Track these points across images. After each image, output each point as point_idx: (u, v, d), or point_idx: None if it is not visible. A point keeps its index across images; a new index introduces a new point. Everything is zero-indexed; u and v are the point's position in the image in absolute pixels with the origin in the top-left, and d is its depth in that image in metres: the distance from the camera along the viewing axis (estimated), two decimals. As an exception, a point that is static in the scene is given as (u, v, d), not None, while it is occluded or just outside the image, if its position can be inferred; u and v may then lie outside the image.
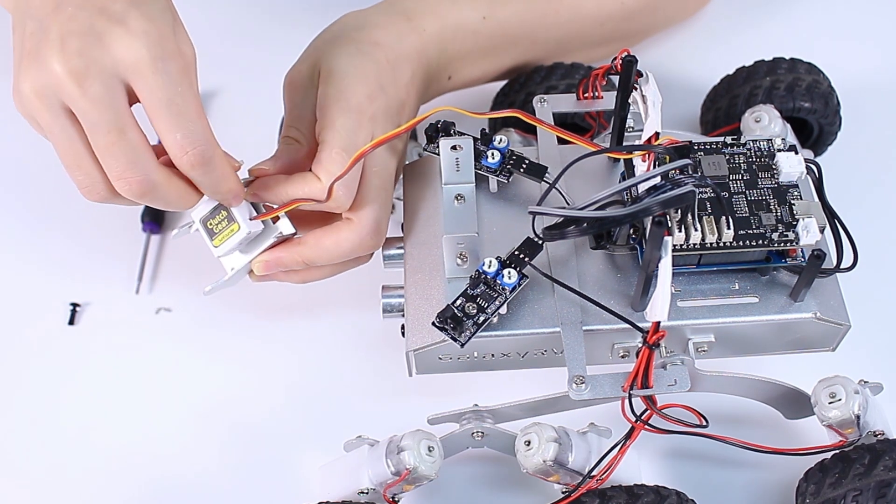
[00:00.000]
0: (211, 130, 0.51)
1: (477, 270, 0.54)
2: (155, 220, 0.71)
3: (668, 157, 0.52)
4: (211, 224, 0.57)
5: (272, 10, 0.83)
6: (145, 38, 0.48)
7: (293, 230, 0.57)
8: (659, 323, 0.50)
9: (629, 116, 0.58)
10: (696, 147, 0.57)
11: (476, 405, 0.58)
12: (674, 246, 0.52)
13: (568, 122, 0.68)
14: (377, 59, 0.60)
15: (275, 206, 0.57)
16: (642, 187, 0.52)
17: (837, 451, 0.56)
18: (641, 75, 0.55)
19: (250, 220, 0.56)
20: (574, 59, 0.72)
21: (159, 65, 0.48)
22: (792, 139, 0.65)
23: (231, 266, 0.58)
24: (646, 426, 0.53)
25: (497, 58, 0.69)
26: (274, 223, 0.57)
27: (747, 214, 0.55)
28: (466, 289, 0.54)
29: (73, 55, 0.47)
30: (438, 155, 0.58)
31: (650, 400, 0.53)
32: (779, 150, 0.57)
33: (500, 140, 0.59)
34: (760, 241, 0.54)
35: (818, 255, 0.52)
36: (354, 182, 0.56)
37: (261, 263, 0.58)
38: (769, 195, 0.55)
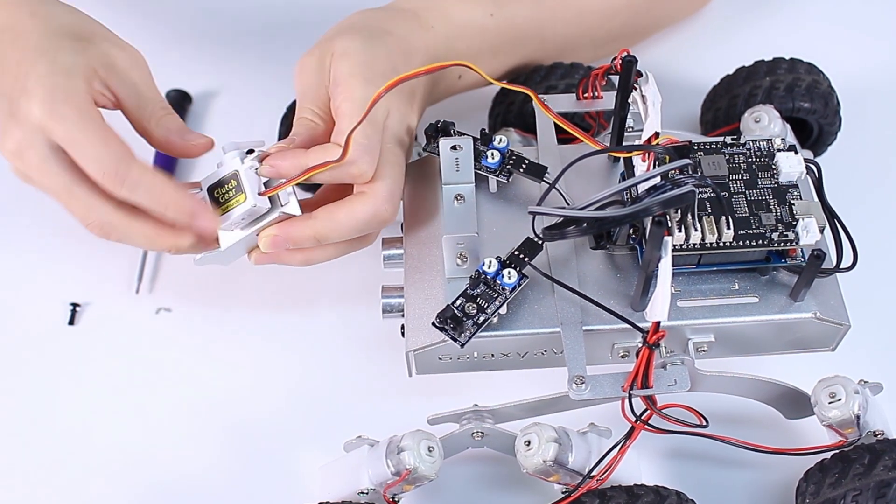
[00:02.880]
0: (123, 150, 0.53)
1: (477, 270, 0.54)
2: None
3: (667, 157, 0.52)
4: (218, 193, 0.56)
5: (272, 11, 0.84)
6: (38, 99, 0.53)
7: (299, 212, 0.56)
8: (659, 323, 0.50)
9: (629, 116, 0.58)
10: (695, 147, 0.57)
11: (476, 405, 0.58)
12: (674, 246, 0.52)
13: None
14: (389, 45, 0.60)
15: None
16: (642, 187, 0.52)
17: (837, 451, 0.56)
18: (641, 75, 0.55)
19: (259, 194, 0.55)
20: (580, 58, 0.72)
21: (57, 116, 0.53)
22: (792, 139, 0.65)
23: (227, 240, 0.57)
24: (646, 426, 0.53)
25: (506, 56, 0.69)
26: (282, 206, 0.56)
27: (747, 214, 0.55)
28: (466, 289, 0.54)
29: (6, 139, 0.54)
30: (438, 155, 0.58)
31: (650, 400, 0.53)
32: (778, 150, 0.57)
33: (500, 140, 0.59)
34: (760, 241, 0.54)
35: (818, 255, 0.52)
36: (376, 150, 0.56)
37: (268, 239, 0.56)
38: (769, 195, 0.55)
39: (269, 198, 0.56)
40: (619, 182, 0.57)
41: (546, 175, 0.59)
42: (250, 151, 0.57)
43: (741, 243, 0.54)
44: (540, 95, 0.63)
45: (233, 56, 0.81)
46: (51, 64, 0.54)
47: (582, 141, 0.56)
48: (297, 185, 0.56)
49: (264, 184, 0.56)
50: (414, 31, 0.62)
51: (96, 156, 0.53)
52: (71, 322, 0.68)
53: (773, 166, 0.57)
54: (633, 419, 0.53)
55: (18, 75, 0.54)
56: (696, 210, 0.53)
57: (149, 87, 0.58)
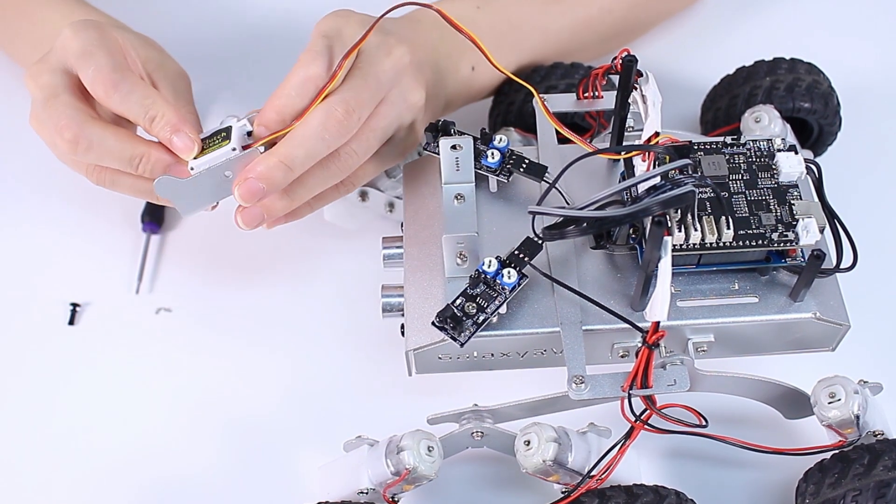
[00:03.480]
0: (123, 65, 0.57)
1: (477, 270, 0.54)
2: (155, 220, 0.71)
3: (667, 157, 0.52)
4: (205, 143, 0.56)
5: (271, 11, 0.84)
6: (71, 26, 0.58)
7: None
8: (658, 323, 0.50)
9: (629, 116, 0.58)
10: (695, 147, 0.57)
11: (475, 405, 0.58)
12: (673, 246, 0.52)
13: (568, 122, 0.68)
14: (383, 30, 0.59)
15: None
16: (642, 187, 0.52)
17: (837, 452, 0.56)
18: (641, 75, 0.55)
19: (243, 147, 0.55)
20: (586, 55, 0.72)
21: (80, 35, 0.57)
22: (792, 139, 0.65)
23: (196, 169, 0.55)
24: (645, 426, 0.53)
25: (511, 51, 0.68)
26: None
27: (747, 214, 0.55)
28: (466, 288, 0.54)
29: (33, 67, 0.59)
30: (438, 154, 0.58)
31: (650, 400, 0.53)
32: (779, 150, 0.57)
33: (500, 140, 0.59)
34: (760, 241, 0.54)
35: (818, 255, 0.52)
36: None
37: (242, 186, 0.54)
38: (769, 195, 0.55)
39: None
40: (619, 182, 0.56)
41: (546, 175, 0.59)
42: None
43: (741, 243, 0.54)
44: (541, 95, 0.63)
45: (233, 56, 0.81)
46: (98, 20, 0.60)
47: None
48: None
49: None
50: (406, 26, 0.62)
51: (96, 62, 0.56)
52: (71, 322, 0.68)
53: (774, 166, 0.57)
54: (633, 419, 0.53)
55: None
56: (695, 210, 0.53)
57: (187, 95, 0.61)
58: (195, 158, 0.56)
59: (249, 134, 0.56)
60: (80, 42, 0.57)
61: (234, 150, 0.55)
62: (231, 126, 0.56)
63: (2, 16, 0.71)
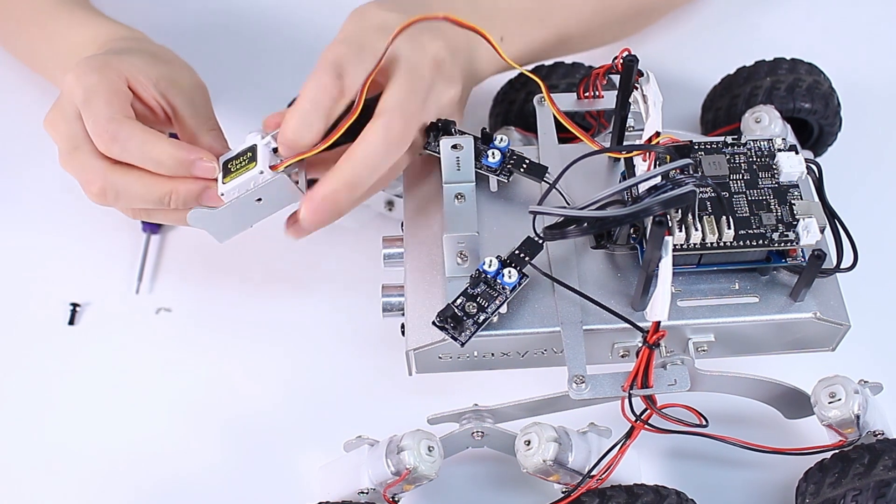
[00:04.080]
0: (119, 112, 0.56)
1: (477, 270, 0.54)
2: (155, 221, 0.71)
3: (668, 157, 0.52)
4: (231, 164, 0.56)
5: (270, 11, 0.84)
6: (77, 67, 0.59)
7: (304, 190, 0.56)
8: (659, 322, 0.50)
9: (630, 116, 0.58)
10: (696, 147, 0.57)
11: (476, 405, 0.58)
12: (674, 246, 0.52)
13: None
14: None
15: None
16: (643, 187, 0.52)
17: (837, 451, 0.56)
18: (642, 74, 0.55)
19: (270, 167, 0.55)
20: (608, 34, 0.72)
21: (83, 80, 0.58)
22: (792, 139, 0.65)
23: (228, 197, 0.56)
24: (646, 426, 0.53)
25: (536, 25, 0.67)
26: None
27: (748, 214, 0.55)
28: (467, 288, 0.54)
29: (49, 112, 0.60)
30: (439, 154, 0.58)
31: (650, 399, 0.52)
32: (779, 150, 0.57)
33: (501, 139, 0.59)
34: (761, 241, 0.54)
35: (818, 255, 0.52)
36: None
37: (310, 213, 0.55)
38: (769, 195, 0.55)
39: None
40: (620, 182, 0.56)
41: (546, 175, 0.59)
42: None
43: (741, 243, 0.54)
44: (541, 95, 0.63)
45: (232, 56, 0.81)
46: (104, 52, 0.61)
47: (583, 140, 0.56)
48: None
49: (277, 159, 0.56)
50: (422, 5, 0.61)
51: (94, 114, 0.56)
52: (71, 322, 0.68)
53: (774, 166, 0.57)
54: (633, 419, 0.53)
55: None
56: (696, 210, 0.53)
57: (206, 107, 0.61)
58: (224, 183, 0.56)
59: (275, 151, 0.56)
60: (81, 89, 0.57)
61: (261, 172, 0.55)
62: (256, 145, 0.56)
63: (23, 31, 0.72)
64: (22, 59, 0.75)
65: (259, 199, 0.56)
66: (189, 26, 0.82)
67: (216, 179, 0.57)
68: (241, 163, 0.56)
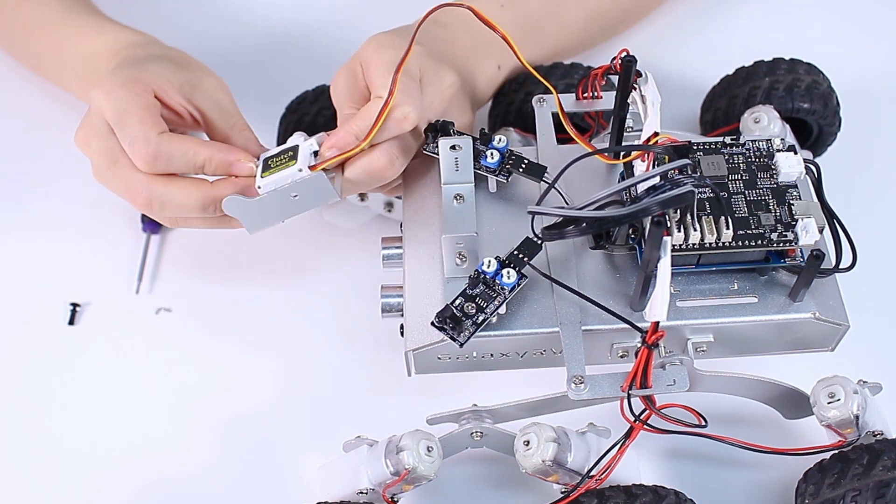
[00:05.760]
0: (153, 129, 0.57)
1: (476, 270, 0.54)
2: (155, 221, 0.71)
3: (667, 157, 0.52)
4: (271, 161, 0.58)
5: (270, 11, 0.84)
6: (103, 83, 0.60)
7: (340, 194, 0.57)
8: (658, 323, 0.50)
9: (628, 116, 0.58)
10: (695, 147, 0.57)
11: (475, 405, 0.58)
12: (673, 246, 0.52)
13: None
14: (410, 31, 0.60)
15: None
16: (641, 187, 0.52)
17: (836, 452, 0.56)
18: (641, 75, 0.55)
19: (309, 167, 0.56)
20: (595, 41, 0.74)
21: (111, 97, 0.58)
22: (791, 139, 0.65)
23: (266, 188, 0.57)
24: (645, 426, 0.53)
25: (532, 46, 0.69)
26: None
27: (746, 214, 0.55)
28: (465, 288, 0.54)
29: (79, 129, 0.61)
30: (437, 155, 0.58)
31: (649, 400, 0.53)
32: (778, 151, 0.57)
33: (500, 140, 0.59)
34: (759, 242, 0.54)
35: (817, 256, 0.52)
36: (416, 94, 0.57)
37: (353, 174, 0.57)
38: (768, 195, 0.55)
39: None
40: (619, 182, 0.56)
41: (545, 175, 0.59)
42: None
43: (740, 243, 0.54)
44: (540, 96, 0.64)
45: (231, 56, 0.81)
46: (127, 65, 0.61)
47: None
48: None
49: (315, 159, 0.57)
50: (433, 29, 0.62)
51: (129, 135, 0.57)
52: (71, 322, 0.68)
53: (773, 166, 0.57)
54: (632, 419, 0.53)
55: None
56: (695, 210, 0.53)
57: (232, 106, 0.62)
58: (263, 177, 0.57)
59: (315, 154, 0.57)
60: (111, 109, 0.58)
61: (300, 170, 0.56)
62: (298, 146, 0.57)
63: (32, 40, 0.72)
64: (31, 67, 0.75)
65: (295, 195, 0.57)
66: (191, 28, 0.83)
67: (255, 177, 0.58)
68: (281, 160, 0.57)
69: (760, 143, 0.58)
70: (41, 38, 0.70)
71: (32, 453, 0.63)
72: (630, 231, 0.57)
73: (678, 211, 0.53)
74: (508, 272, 0.54)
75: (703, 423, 0.54)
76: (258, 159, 0.59)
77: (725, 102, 0.69)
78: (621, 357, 0.57)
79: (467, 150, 0.58)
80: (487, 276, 0.54)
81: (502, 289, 0.54)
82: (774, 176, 0.56)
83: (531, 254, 0.55)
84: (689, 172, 0.52)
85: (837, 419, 0.55)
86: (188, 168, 0.58)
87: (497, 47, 0.61)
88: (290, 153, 0.57)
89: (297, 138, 0.58)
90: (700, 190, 0.54)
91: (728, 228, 0.53)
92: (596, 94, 0.62)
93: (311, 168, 0.56)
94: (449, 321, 0.53)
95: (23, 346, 0.67)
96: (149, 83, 0.59)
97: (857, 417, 0.55)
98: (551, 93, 0.60)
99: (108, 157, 0.59)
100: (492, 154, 0.59)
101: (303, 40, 0.82)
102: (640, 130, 0.55)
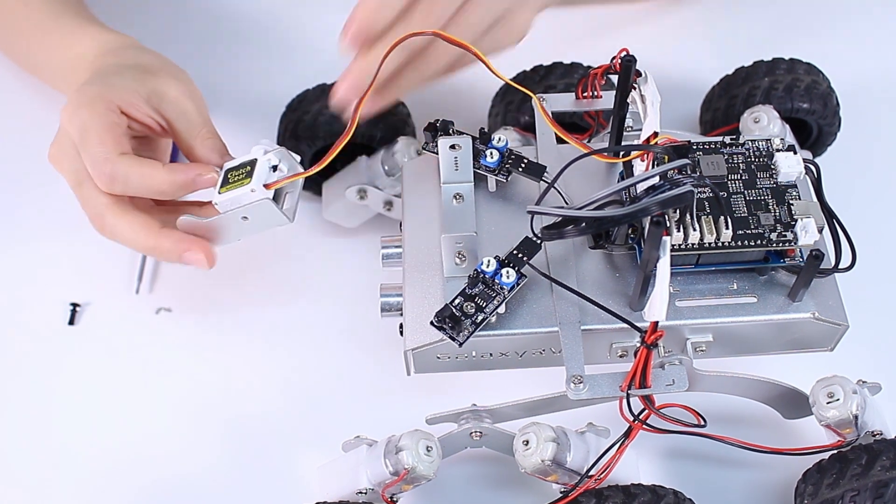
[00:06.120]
0: (113, 149, 0.57)
1: (475, 270, 0.54)
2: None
3: (666, 157, 0.52)
4: (231, 175, 0.57)
5: (269, 11, 0.84)
6: (69, 102, 0.60)
7: (293, 218, 0.57)
8: (657, 322, 0.50)
9: (628, 116, 0.58)
10: (694, 147, 0.57)
11: (474, 405, 0.58)
12: (672, 246, 0.52)
13: (567, 122, 0.68)
14: None
15: None
16: (641, 187, 0.52)
17: (835, 452, 0.56)
18: (640, 75, 0.55)
19: (264, 185, 0.56)
20: None
21: (75, 117, 0.59)
22: (791, 139, 0.65)
23: (220, 206, 0.57)
24: (644, 426, 0.53)
25: None
26: (281, 206, 0.57)
27: (746, 214, 0.55)
28: (465, 288, 0.54)
29: (53, 147, 0.61)
30: (437, 154, 0.58)
31: (648, 400, 0.53)
32: (777, 150, 0.57)
33: (499, 139, 0.59)
34: (759, 241, 0.54)
35: (816, 256, 0.52)
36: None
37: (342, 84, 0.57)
38: (768, 195, 0.55)
39: (275, 191, 0.57)
40: (618, 182, 0.56)
41: (545, 174, 0.59)
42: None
43: (740, 243, 0.54)
44: (539, 95, 0.63)
45: (231, 55, 0.81)
46: (94, 80, 0.61)
47: (581, 140, 0.56)
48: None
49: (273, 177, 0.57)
50: None
51: (90, 154, 0.57)
52: (71, 322, 0.68)
53: (772, 166, 0.57)
54: (632, 419, 0.53)
55: None
56: (694, 210, 0.53)
57: (197, 114, 0.61)
58: (220, 193, 0.57)
59: (274, 168, 0.57)
60: (75, 128, 0.58)
61: (252, 190, 0.56)
62: (256, 160, 0.57)
63: (23, 42, 0.72)
64: (24, 67, 0.75)
65: (245, 217, 0.57)
66: (191, 27, 0.83)
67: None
68: (238, 175, 0.57)
69: (760, 142, 0.58)
70: (31, 42, 0.71)
71: (32, 453, 0.63)
72: (629, 231, 0.56)
73: (677, 211, 0.53)
74: (508, 272, 0.54)
75: (703, 423, 0.54)
76: (220, 170, 0.58)
77: (725, 102, 0.69)
78: (620, 357, 0.57)
79: (467, 150, 0.58)
80: (487, 276, 0.54)
81: (501, 288, 0.54)
82: (774, 176, 0.56)
83: (530, 253, 0.55)
84: (689, 172, 0.52)
85: (836, 419, 0.55)
86: (147, 192, 0.58)
87: None
88: (248, 168, 0.57)
89: (256, 151, 0.57)
90: (699, 190, 0.54)
91: (727, 228, 0.53)
92: (596, 93, 0.62)
93: (266, 186, 0.56)
94: (448, 321, 0.53)
95: (23, 346, 0.67)
96: (112, 100, 0.59)
97: (856, 417, 0.55)
98: (550, 92, 0.60)
99: (75, 177, 0.60)
100: (491, 153, 0.59)
101: (303, 39, 0.82)
102: (640, 130, 0.55)
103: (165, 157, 0.64)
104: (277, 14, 0.83)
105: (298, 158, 0.58)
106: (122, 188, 0.58)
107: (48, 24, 0.69)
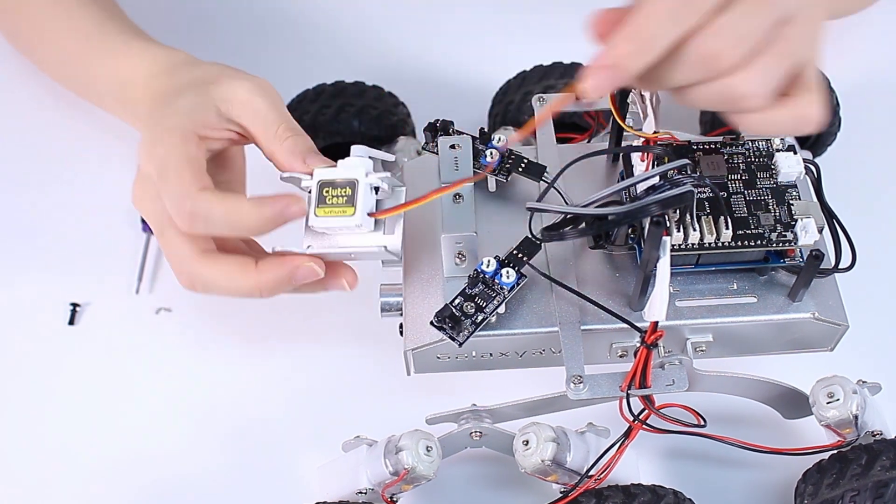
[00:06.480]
0: (192, 185, 0.52)
1: (475, 270, 0.54)
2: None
3: (666, 157, 0.52)
4: (327, 192, 0.53)
5: (269, 10, 0.84)
6: (143, 140, 0.55)
7: (400, 245, 0.54)
8: (657, 322, 0.50)
9: (628, 116, 0.58)
10: (694, 147, 0.57)
11: (474, 405, 0.58)
12: (672, 246, 0.52)
13: (567, 122, 0.68)
14: None
15: None
16: (641, 187, 0.52)
17: (835, 452, 0.56)
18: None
19: (368, 214, 0.53)
20: None
21: (152, 157, 0.54)
22: (791, 139, 0.65)
23: (308, 245, 0.53)
24: (644, 426, 0.53)
25: None
26: (385, 233, 0.53)
27: (746, 214, 0.55)
28: (465, 288, 0.54)
29: (136, 188, 0.57)
30: (437, 154, 0.58)
31: (648, 400, 0.52)
32: (777, 151, 0.57)
33: (499, 139, 0.59)
34: (759, 241, 0.54)
35: (816, 256, 0.52)
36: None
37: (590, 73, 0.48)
38: (768, 195, 0.55)
39: (375, 221, 0.54)
40: (618, 182, 0.56)
41: (545, 174, 0.59)
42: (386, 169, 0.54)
43: (740, 243, 0.54)
44: (539, 94, 0.63)
45: (231, 54, 0.81)
46: (159, 109, 0.56)
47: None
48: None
49: (377, 203, 0.54)
50: None
51: (169, 193, 0.53)
52: (71, 322, 0.68)
53: (772, 166, 0.57)
54: (632, 419, 0.53)
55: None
56: (694, 210, 0.53)
57: (270, 110, 0.56)
58: (317, 215, 0.52)
59: (376, 190, 0.53)
60: (153, 168, 0.53)
61: (358, 225, 0.52)
62: (357, 181, 0.52)
63: (70, 63, 0.68)
64: (71, 89, 0.71)
65: (352, 254, 0.54)
66: (191, 27, 0.83)
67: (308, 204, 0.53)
68: (338, 198, 0.52)
69: (760, 142, 0.58)
70: (78, 63, 0.67)
71: (32, 453, 0.63)
72: (629, 231, 0.56)
73: (677, 211, 0.53)
74: (508, 272, 0.54)
75: (703, 423, 0.54)
76: (310, 177, 0.54)
77: (725, 102, 0.69)
78: (620, 357, 0.57)
79: (467, 150, 0.58)
80: (487, 276, 0.54)
81: (501, 288, 0.54)
82: (774, 176, 0.56)
83: (531, 253, 0.55)
84: (689, 172, 0.52)
85: (836, 419, 0.55)
86: (232, 233, 0.54)
87: None
88: (349, 191, 0.52)
89: (356, 166, 0.52)
90: (699, 190, 0.54)
91: (727, 228, 0.53)
92: (595, 93, 0.62)
93: (371, 215, 0.52)
94: (448, 321, 0.53)
95: (23, 346, 0.67)
96: (187, 127, 0.54)
97: (856, 417, 0.55)
98: (550, 92, 0.60)
99: (157, 221, 0.55)
100: (491, 153, 0.59)
101: (303, 39, 0.82)
102: (640, 130, 0.55)
103: (243, 176, 0.60)
104: (277, 14, 0.83)
105: (403, 185, 0.54)
106: (205, 227, 0.52)
107: (96, 42, 0.65)
